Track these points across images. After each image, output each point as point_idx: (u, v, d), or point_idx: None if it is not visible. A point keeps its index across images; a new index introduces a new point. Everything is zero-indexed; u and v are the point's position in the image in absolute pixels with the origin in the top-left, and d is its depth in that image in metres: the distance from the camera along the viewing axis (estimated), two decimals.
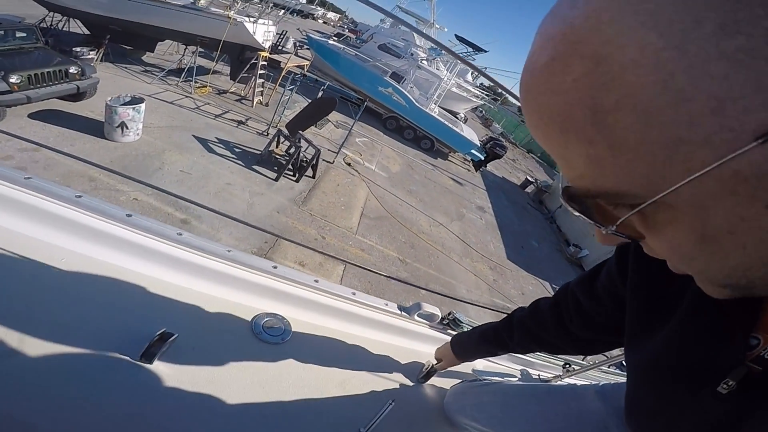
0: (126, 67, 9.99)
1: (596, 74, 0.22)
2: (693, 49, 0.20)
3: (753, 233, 0.23)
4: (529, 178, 20.11)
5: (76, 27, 10.60)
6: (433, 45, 17.59)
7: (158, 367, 0.74)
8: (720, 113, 0.20)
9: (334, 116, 12.83)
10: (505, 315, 0.92)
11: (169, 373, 0.75)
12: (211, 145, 7.87)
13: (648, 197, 0.25)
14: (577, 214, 0.30)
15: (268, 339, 0.91)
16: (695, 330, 0.41)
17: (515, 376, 1.34)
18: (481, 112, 41.75)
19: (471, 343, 0.96)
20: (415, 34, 17.70)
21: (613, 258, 0.62)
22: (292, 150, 8.03)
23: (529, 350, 0.91)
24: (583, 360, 1.44)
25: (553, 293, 0.85)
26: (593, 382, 0.87)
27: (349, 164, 10.59)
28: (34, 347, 0.67)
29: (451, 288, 8.00)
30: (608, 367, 1.55)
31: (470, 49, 17.47)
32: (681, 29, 0.20)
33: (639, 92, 0.21)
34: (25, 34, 6.60)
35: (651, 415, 0.48)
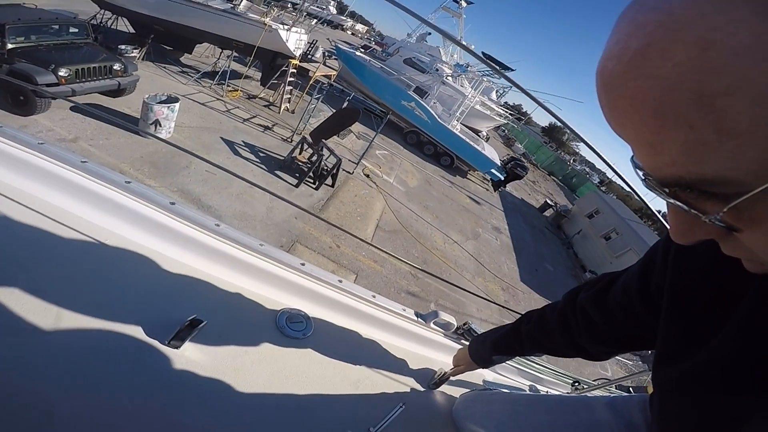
0: (165, 67, 10.47)
1: (703, 59, 0.22)
2: None
3: None
4: (548, 202, 19.86)
5: (123, 26, 11.21)
6: (459, 61, 17.74)
7: (185, 352, 0.77)
8: None
9: (357, 127, 13.03)
10: (513, 317, 0.94)
11: (195, 358, 0.78)
12: (237, 148, 8.10)
13: (756, 185, 0.24)
14: (672, 200, 0.29)
15: (291, 333, 0.94)
16: (758, 340, 0.40)
17: (524, 390, 1.33)
18: (504, 131, 41.65)
19: (485, 352, 0.98)
20: (441, 50, 17.91)
21: (634, 275, 0.63)
22: (314, 158, 8.19)
23: (538, 355, 0.96)
24: (593, 381, 1.43)
25: (547, 304, 0.88)
26: (603, 395, 0.87)
27: (367, 176, 10.70)
28: (69, 323, 0.71)
29: (461, 305, 7.92)
30: (615, 388, 1.53)
31: (497, 68, 17.55)
32: None
33: (756, 77, 0.21)
34: (77, 30, 7.01)
35: (687, 428, 0.48)
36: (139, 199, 0.95)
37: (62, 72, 5.92)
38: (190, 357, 0.78)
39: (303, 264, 1.02)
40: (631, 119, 0.28)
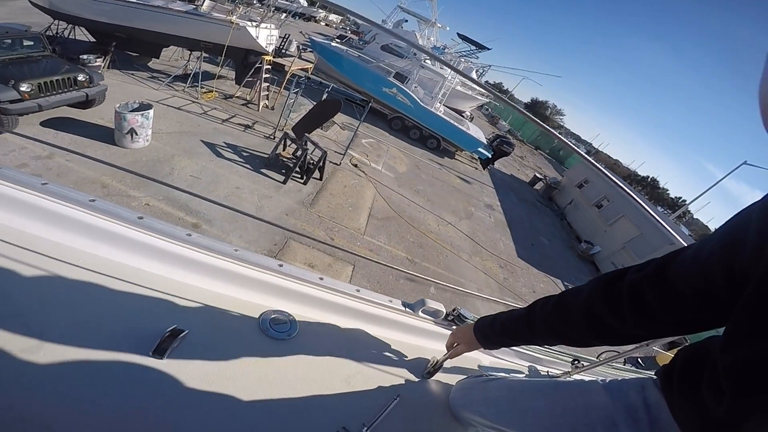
0: (133, 74, 10.15)
1: None
2: None
3: None
4: (537, 175, 19.96)
5: (82, 35, 10.76)
6: (435, 44, 17.54)
7: (170, 362, 0.77)
8: None
9: (340, 118, 12.88)
10: (523, 306, 0.90)
11: (180, 368, 0.78)
12: (219, 149, 7.96)
13: None
14: None
15: (275, 335, 0.93)
16: None
17: (523, 373, 1.33)
18: (488, 109, 41.51)
19: (494, 335, 0.95)
20: (417, 34, 17.67)
21: (714, 256, 0.60)
22: (299, 153, 8.09)
23: (552, 344, 0.90)
24: (596, 357, 1.43)
25: (565, 290, 0.84)
26: (600, 378, 0.88)
27: (355, 165, 10.63)
28: (51, 345, 0.70)
29: (461, 287, 7.96)
30: (623, 363, 1.52)
31: (473, 47, 17.39)
32: None
33: None
34: (32, 43, 6.67)
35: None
36: (105, 217, 0.92)
37: (24, 87, 5.67)
38: (176, 367, 0.78)
39: (281, 265, 1.00)
40: None
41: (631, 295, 0.70)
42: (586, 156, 1.08)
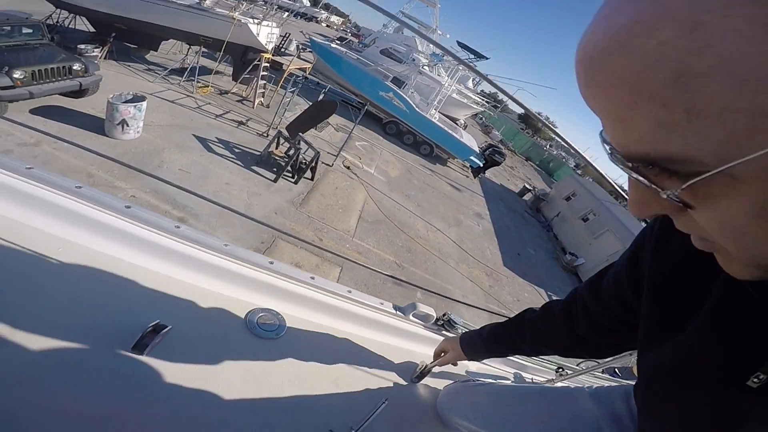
0: (129, 66, 10.02)
1: (689, 39, 0.22)
2: None
3: None
4: (527, 186, 20.19)
5: (82, 25, 10.67)
6: (434, 51, 17.70)
7: (150, 358, 0.74)
8: None
9: (335, 119, 12.86)
10: (507, 317, 0.92)
11: (160, 364, 0.75)
12: (210, 144, 7.87)
13: (715, 165, 0.24)
14: (635, 176, 0.29)
15: (263, 334, 0.91)
16: (724, 327, 0.41)
17: (508, 379, 1.34)
18: (481, 119, 41.92)
19: (481, 343, 0.95)
20: (417, 40, 17.81)
21: (624, 262, 0.62)
22: (292, 152, 8.04)
23: (539, 353, 0.90)
24: (577, 365, 1.44)
25: (548, 300, 0.85)
26: (585, 385, 0.88)
27: (348, 167, 10.61)
28: (27, 336, 0.67)
29: (447, 293, 7.99)
30: (601, 372, 1.54)
31: (472, 56, 17.60)
32: None
33: (737, 60, 0.21)
34: (31, 31, 6.68)
35: (672, 416, 0.48)
36: (91, 204, 0.89)
37: (17, 74, 5.65)
38: (156, 363, 0.75)
39: (272, 262, 0.98)
40: (606, 94, 0.27)
41: (580, 304, 0.74)
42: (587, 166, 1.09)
